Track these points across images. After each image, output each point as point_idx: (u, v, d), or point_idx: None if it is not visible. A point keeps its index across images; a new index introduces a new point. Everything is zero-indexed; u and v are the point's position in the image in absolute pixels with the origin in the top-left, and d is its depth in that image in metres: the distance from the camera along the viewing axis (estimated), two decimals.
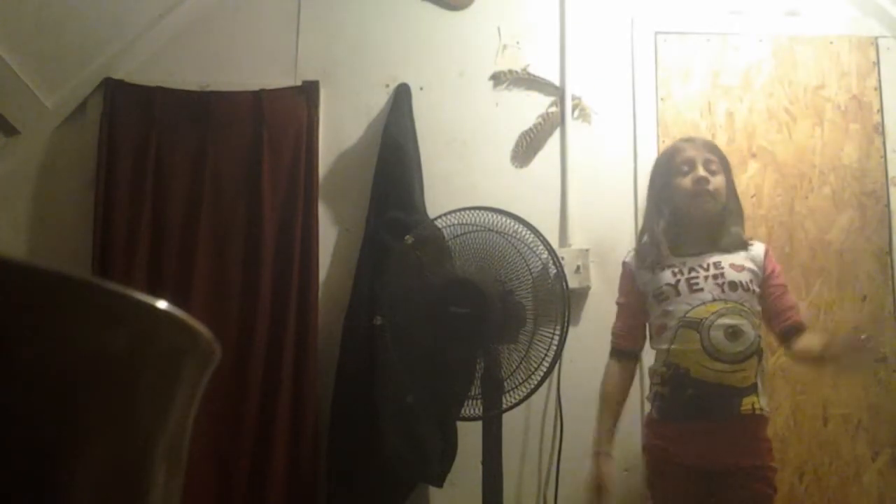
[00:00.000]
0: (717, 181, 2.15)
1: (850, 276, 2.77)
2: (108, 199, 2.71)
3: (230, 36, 2.94)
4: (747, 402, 2.02)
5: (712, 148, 2.24)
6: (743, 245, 2.16)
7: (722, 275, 2.09)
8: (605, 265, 2.76)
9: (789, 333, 2.12)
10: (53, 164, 2.83)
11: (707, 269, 2.10)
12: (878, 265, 2.77)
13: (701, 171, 2.14)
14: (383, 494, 2.60)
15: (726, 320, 2.03)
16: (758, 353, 2.05)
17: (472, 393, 2.14)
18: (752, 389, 2.03)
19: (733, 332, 2.03)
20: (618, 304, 2.30)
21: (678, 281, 2.10)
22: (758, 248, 2.17)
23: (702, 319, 2.04)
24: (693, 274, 2.10)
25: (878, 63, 2.89)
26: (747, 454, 2.04)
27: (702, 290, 2.08)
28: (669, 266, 2.13)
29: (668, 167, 2.21)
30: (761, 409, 2.03)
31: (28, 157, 2.82)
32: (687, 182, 2.14)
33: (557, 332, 2.09)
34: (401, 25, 2.95)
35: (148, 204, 2.72)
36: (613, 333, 2.28)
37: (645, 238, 2.23)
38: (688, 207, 2.15)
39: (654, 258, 2.16)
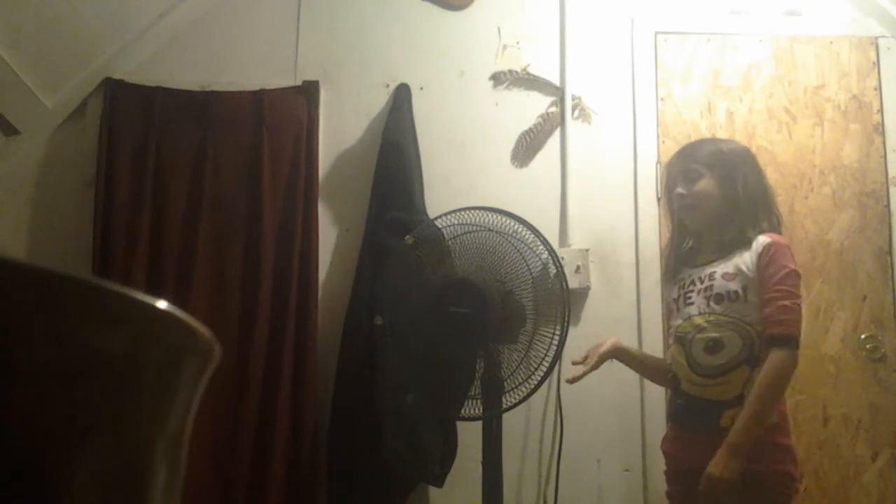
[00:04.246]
0: (700, 187, 2.11)
1: (850, 276, 2.77)
2: (108, 199, 2.71)
3: (230, 36, 2.94)
4: (727, 416, 1.96)
5: (691, 155, 2.18)
6: (745, 243, 2.06)
7: (711, 287, 2.06)
8: (605, 265, 2.76)
9: (767, 346, 1.98)
10: (53, 164, 2.83)
11: (702, 282, 2.08)
12: (878, 265, 2.77)
13: (679, 188, 2.15)
14: (383, 494, 2.60)
15: (706, 334, 2.02)
16: (748, 363, 1.98)
17: (472, 393, 2.14)
18: (737, 402, 1.96)
19: (713, 346, 2.01)
20: None
21: (678, 297, 2.13)
22: (756, 246, 2.04)
23: (686, 334, 2.06)
24: (690, 288, 2.11)
25: (878, 63, 2.89)
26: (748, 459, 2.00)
27: (693, 303, 2.08)
28: (679, 281, 2.16)
29: (665, 185, 2.27)
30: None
31: (28, 157, 2.82)
32: (670, 201, 2.20)
33: (557, 332, 2.09)
34: (401, 25, 2.95)
35: (148, 204, 2.72)
36: None
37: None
38: (685, 221, 2.19)
39: (670, 270, 2.23)
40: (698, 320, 2.05)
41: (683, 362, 2.05)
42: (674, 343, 2.11)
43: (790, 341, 1.96)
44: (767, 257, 2.01)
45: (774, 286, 1.98)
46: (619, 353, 2.25)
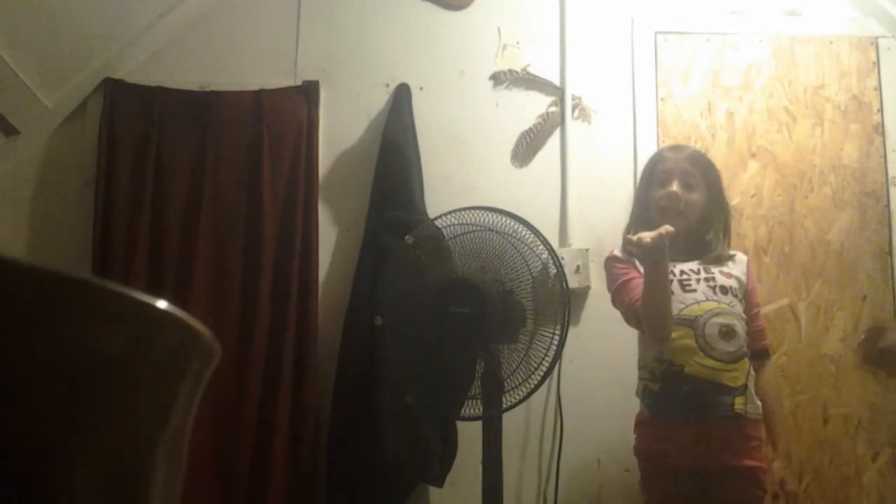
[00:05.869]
0: (693, 198, 2.16)
1: (850, 276, 2.77)
2: (108, 199, 2.71)
3: (230, 36, 2.94)
4: (739, 402, 2.04)
5: (696, 161, 2.22)
6: (720, 255, 2.19)
7: (713, 278, 2.13)
8: None
9: (757, 357, 2.18)
10: (53, 164, 2.83)
11: (698, 273, 2.14)
12: (878, 265, 2.77)
13: (674, 187, 2.15)
14: (383, 494, 2.60)
15: (720, 319, 2.07)
16: (747, 355, 2.09)
17: (472, 393, 2.14)
18: (742, 391, 2.05)
19: (727, 332, 2.06)
20: (623, 281, 2.19)
21: (671, 281, 2.11)
22: (741, 260, 2.22)
23: (696, 317, 2.07)
24: (684, 276, 2.13)
25: (878, 63, 2.89)
26: (739, 454, 2.05)
27: (694, 290, 2.11)
28: None
29: (649, 176, 2.24)
30: (746, 411, 2.05)
31: (28, 157, 2.82)
32: (661, 195, 2.16)
33: (557, 332, 2.09)
34: (401, 25, 2.95)
35: (148, 204, 2.72)
36: (635, 303, 2.13)
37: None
38: (659, 221, 2.12)
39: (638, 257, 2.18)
40: (710, 305, 2.09)
41: (692, 344, 2.05)
42: (675, 326, 2.07)
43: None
44: (752, 275, 2.24)
45: (757, 303, 2.24)
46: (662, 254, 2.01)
